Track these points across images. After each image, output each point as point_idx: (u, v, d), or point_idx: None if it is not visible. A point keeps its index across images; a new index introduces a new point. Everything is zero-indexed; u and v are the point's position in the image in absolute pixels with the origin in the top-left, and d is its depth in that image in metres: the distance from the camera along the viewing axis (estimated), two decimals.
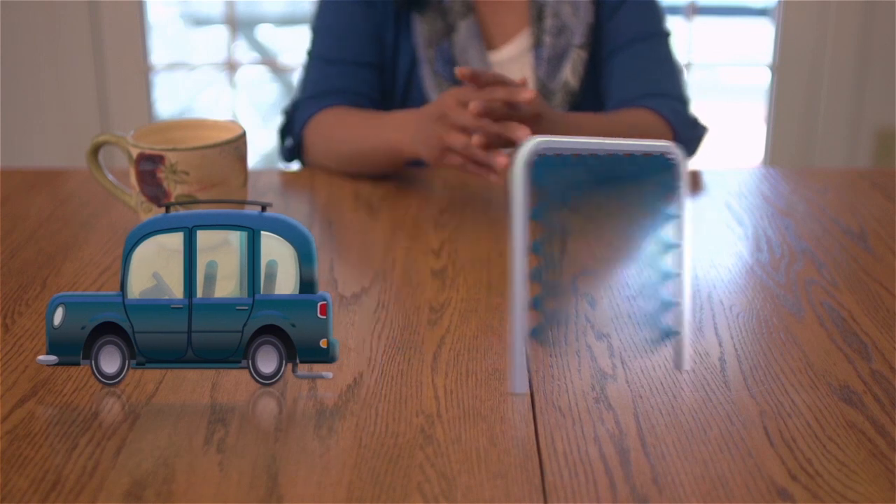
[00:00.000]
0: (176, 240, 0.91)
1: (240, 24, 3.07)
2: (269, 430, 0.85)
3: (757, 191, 1.46)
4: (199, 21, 3.46)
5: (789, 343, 1.00)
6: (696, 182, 1.50)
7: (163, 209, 1.13)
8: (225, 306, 0.90)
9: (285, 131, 1.67)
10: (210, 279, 0.91)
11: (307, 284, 0.90)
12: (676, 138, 1.55)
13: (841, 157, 2.72)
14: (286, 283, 0.91)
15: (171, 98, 3.12)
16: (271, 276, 0.91)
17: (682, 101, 1.62)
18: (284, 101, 3.12)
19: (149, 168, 1.20)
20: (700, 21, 2.84)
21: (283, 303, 0.90)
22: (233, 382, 0.93)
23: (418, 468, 0.80)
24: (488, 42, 1.65)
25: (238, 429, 0.85)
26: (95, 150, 1.28)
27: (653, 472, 0.79)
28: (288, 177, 1.55)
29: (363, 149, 1.49)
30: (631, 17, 1.64)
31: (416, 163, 1.45)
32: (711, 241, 1.28)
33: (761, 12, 3.15)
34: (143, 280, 0.91)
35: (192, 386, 0.92)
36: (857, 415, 0.87)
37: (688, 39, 2.76)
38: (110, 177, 1.30)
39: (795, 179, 1.52)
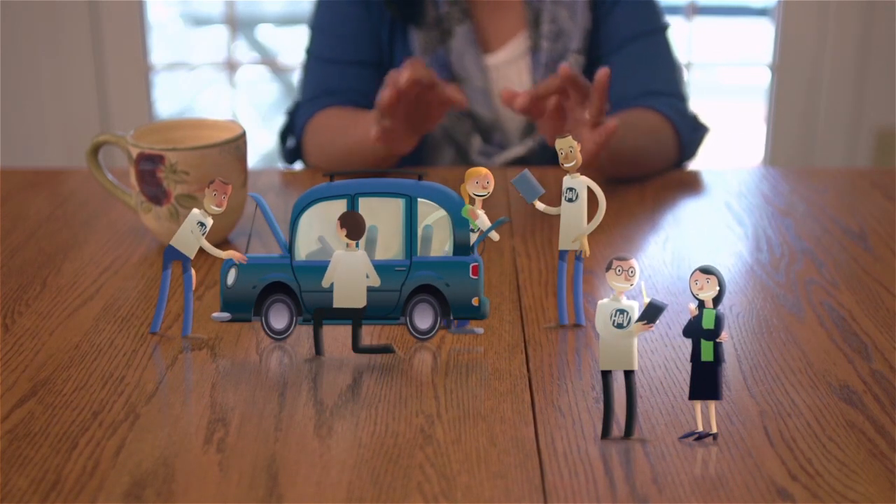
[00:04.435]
0: (340, 206, 0.97)
1: (240, 24, 3.07)
2: (269, 430, 0.85)
3: (757, 191, 1.46)
4: (199, 21, 3.46)
5: (789, 343, 1.00)
6: (696, 182, 1.50)
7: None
8: (385, 267, 0.96)
9: (286, 133, 1.67)
10: (370, 242, 0.97)
11: (461, 247, 0.97)
12: (680, 140, 1.54)
13: (841, 157, 2.72)
14: (441, 245, 0.98)
15: (170, 98, 3.11)
16: (427, 240, 0.97)
17: (682, 99, 1.61)
18: (284, 101, 3.12)
19: (149, 168, 1.20)
20: (700, 21, 2.84)
21: (439, 264, 0.97)
22: (233, 382, 0.93)
23: (418, 468, 0.80)
24: (484, 45, 1.64)
25: (238, 429, 0.85)
26: (95, 150, 1.28)
27: (653, 472, 0.79)
28: (288, 176, 1.55)
29: (354, 149, 1.49)
30: (628, 14, 1.63)
31: (410, 161, 1.45)
32: (711, 241, 1.28)
33: (761, 12, 3.15)
34: (309, 243, 0.98)
35: (192, 386, 0.92)
36: (857, 415, 0.87)
37: (688, 39, 2.76)
38: (110, 177, 1.30)
39: (795, 179, 1.52)
